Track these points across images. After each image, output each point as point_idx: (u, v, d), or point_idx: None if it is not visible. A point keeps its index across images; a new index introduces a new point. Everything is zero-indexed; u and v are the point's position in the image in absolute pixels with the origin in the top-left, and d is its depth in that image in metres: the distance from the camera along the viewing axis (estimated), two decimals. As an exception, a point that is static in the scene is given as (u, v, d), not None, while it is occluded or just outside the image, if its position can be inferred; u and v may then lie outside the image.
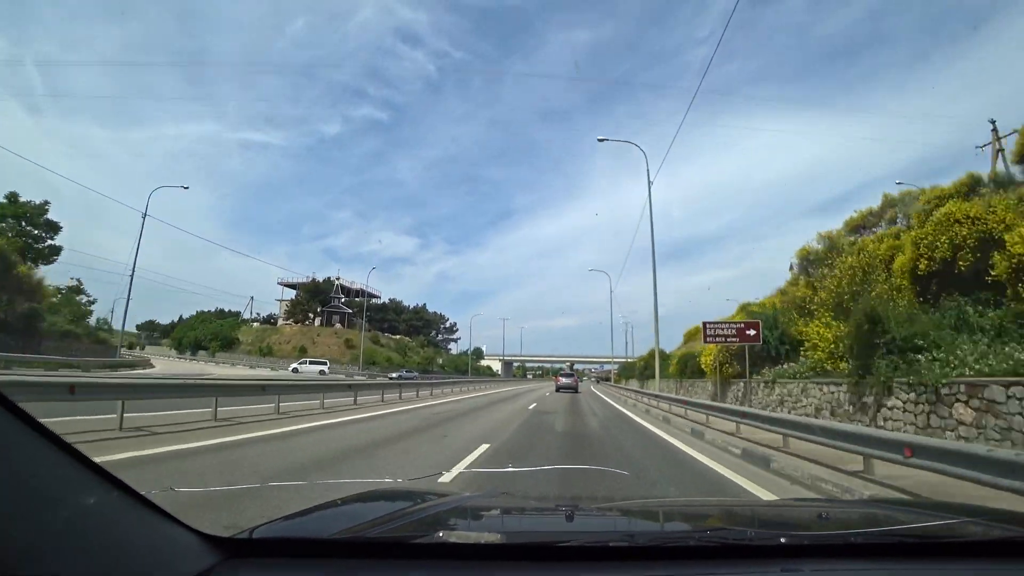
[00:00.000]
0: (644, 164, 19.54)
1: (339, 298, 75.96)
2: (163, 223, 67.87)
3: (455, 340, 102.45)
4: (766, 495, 5.03)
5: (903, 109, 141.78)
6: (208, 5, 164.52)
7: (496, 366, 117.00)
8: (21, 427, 0.67)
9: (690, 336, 48.01)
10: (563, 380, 34.56)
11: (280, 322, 76.20)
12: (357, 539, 1.08)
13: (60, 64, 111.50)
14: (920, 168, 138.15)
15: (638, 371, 40.57)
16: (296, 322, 76.32)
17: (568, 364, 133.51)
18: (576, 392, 32.07)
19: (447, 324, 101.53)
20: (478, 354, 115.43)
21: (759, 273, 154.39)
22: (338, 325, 72.67)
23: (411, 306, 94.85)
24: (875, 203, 21.52)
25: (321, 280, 76.80)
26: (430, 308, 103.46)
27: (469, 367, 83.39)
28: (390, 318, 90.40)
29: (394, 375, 45.97)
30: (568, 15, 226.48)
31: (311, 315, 76.71)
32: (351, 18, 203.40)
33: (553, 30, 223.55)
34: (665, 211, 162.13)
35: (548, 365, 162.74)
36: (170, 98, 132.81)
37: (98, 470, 0.76)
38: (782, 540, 1.12)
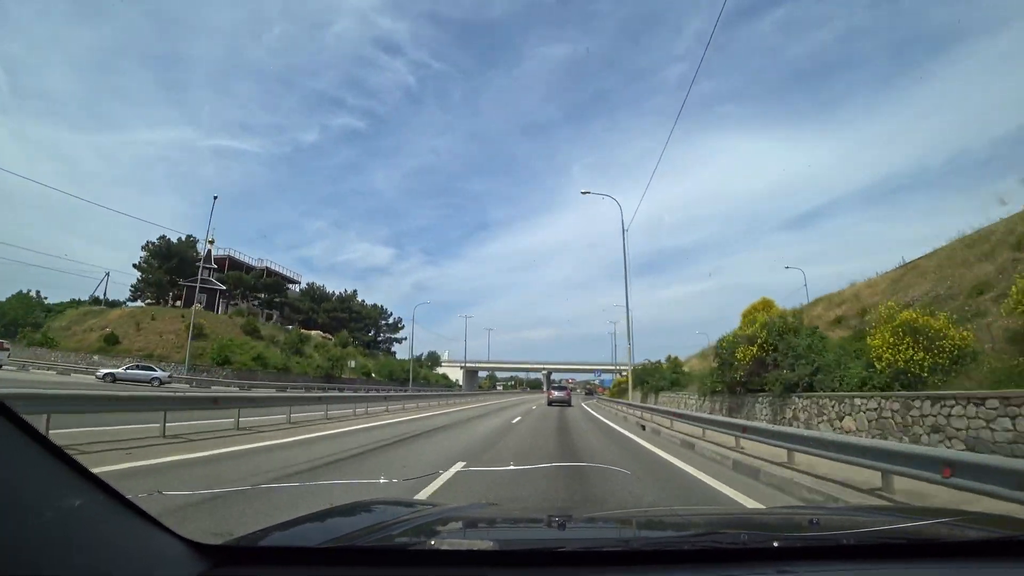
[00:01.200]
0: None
1: (209, 269, 51.30)
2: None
3: (398, 341, 78.38)
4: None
5: (869, 130, 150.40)
6: (183, 9, 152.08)
7: (455, 375, 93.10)
8: (3, 423, 0.63)
9: (750, 314, 25.61)
10: (555, 394, 32.57)
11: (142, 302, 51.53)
12: (347, 547, 1.04)
13: (28, 65, 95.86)
14: (884, 186, 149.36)
15: (712, 381, 16.62)
16: (153, 302, 51.79)
17: (545, 373, 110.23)
18: (568, 405, 29.39)
19: (389, 320, 77.04)
20: (434, 360, 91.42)
21: (731, 288, 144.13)
22: (198, 306, 47.99)
23: (335, 293, 70.48)
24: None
25: (180, 241, 51.88)
26: (404, 316, 79.62)
27: (411, 375, 59.64)
28: (306, 307, 66.14)
29: (103, 373, 26.62)
30: (548, 30, 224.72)
31: (171, 292, 52.13)
32: (330, 27, 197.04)
33: (532, 45, 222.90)
34: (640, 226, 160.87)
35: (523, 374, 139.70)
36: (143, 102, 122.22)
37: (84, 473, 0.72)
38: (775, 544, 1.11)
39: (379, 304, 75.64)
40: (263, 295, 61.05)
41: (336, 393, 21.60)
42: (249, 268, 62.62)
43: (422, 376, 78.29)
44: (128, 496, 0.78)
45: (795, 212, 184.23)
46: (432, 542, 1.12)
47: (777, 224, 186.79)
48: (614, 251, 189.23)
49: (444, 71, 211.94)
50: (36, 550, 0.60)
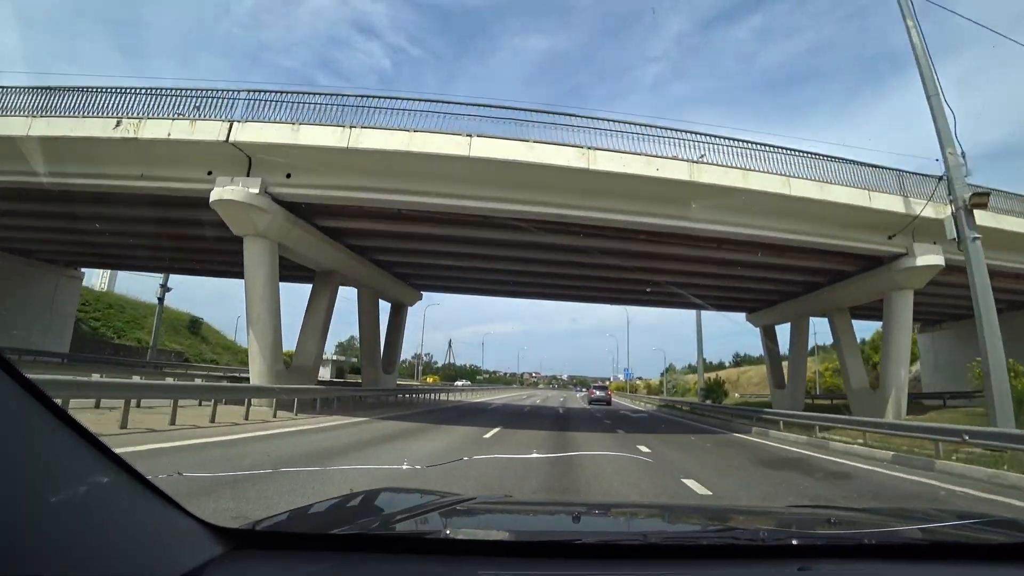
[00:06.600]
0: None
1: None
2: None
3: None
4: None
5: (834, 140, 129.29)
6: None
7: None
8: (25, 396, 0.62)
9: None
10: (597, 393, 32.83)
11: None
12: (362, 534, 1.06)
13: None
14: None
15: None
16: None
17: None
18: (608, 404, 28.93)
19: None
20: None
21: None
22: None
23: None
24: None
25: None
26: None
27: None
28: None
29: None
30: (525, 21, 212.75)
31: None
32: (304, 2, 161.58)
33: (508, 35, 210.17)
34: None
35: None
36: (100, 69, 78.93)
37: (103, 449, 0.72)
38: (794, 542, 1.10)
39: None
40: None
41: None
42: None
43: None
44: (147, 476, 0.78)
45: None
46: (447, 531, 1.14)
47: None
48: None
49: (421, 56, 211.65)
50: (51, 522, 0.60)
